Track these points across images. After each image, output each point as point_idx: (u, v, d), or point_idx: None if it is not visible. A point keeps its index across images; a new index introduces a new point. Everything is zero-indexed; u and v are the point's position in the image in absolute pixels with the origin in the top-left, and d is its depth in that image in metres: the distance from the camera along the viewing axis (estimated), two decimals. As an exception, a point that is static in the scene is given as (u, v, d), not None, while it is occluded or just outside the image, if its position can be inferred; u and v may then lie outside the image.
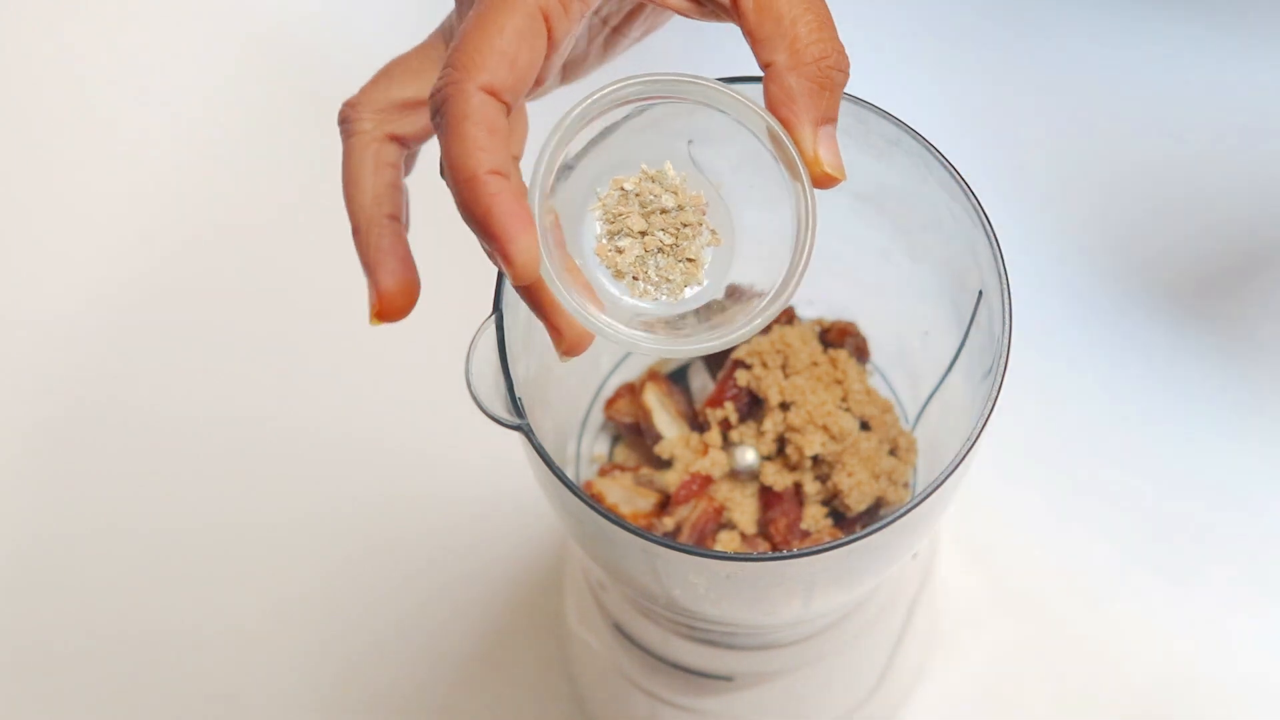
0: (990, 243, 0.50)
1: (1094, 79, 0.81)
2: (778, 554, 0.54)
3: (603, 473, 0.58)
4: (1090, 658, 0.71)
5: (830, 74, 0.44)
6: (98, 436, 0.76)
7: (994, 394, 0.49)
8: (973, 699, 0.70)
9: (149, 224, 0.81)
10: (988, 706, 0.70)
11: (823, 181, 0.44)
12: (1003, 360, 0.49)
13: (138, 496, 0.75)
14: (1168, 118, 0.81)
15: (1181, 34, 0.82)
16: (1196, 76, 0.81)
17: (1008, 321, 0.49)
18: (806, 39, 0.43)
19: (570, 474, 0.58)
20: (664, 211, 0.45)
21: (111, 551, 0.74)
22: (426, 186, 0.80)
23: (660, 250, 0.45)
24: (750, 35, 0.44)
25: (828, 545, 0.49)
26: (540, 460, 0.48)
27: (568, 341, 0.44)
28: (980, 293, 0.51)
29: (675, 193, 0.45)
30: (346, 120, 0.48)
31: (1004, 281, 0.49)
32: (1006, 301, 0.49)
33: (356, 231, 0.48)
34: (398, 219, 0.48)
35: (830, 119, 0.44)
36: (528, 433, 0.48)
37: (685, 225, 0.46)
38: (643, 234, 0.45)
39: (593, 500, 0.51)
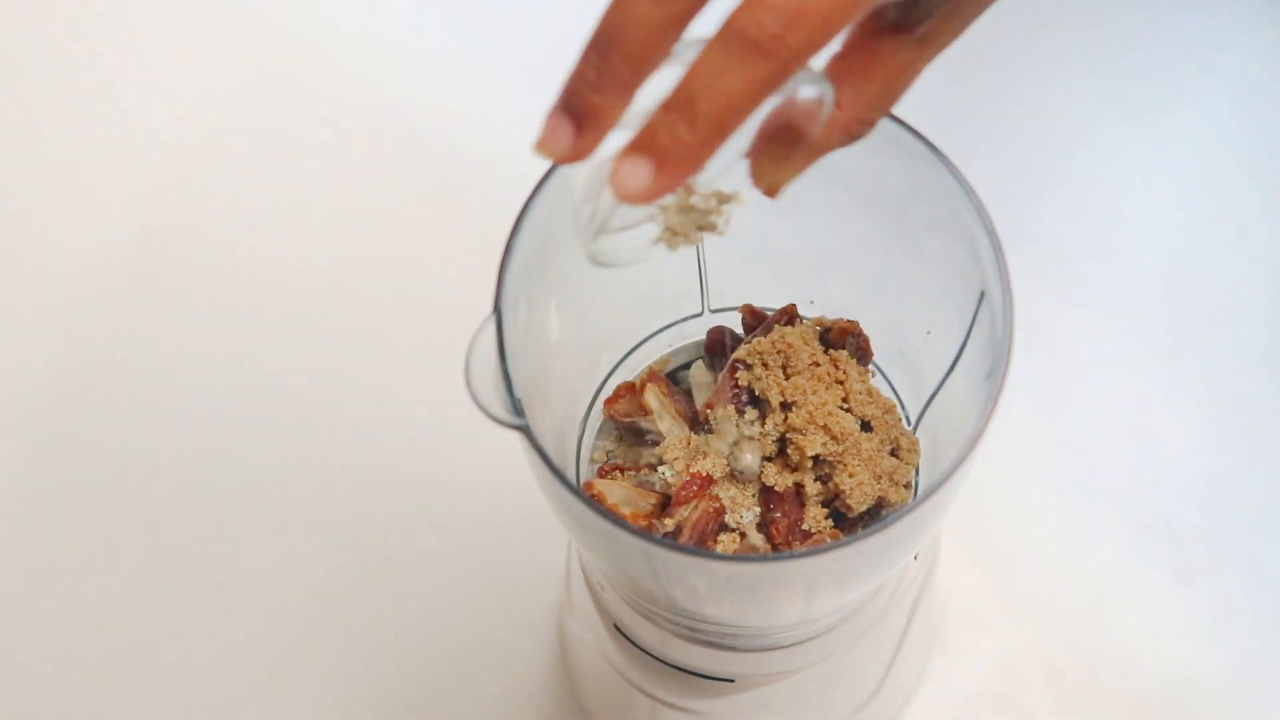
0: (992, 243, 0.50)
1: (1097, 78, 0.81)
2: (779, 555, 0.54)
3: (602, 473, 0.58)
4: (1092, 658, 0.70)
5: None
6: (93, 437, 0.76)
7: (996, 395, 0.49)
8: (975, 699, 0.70)
9: (145, 223, 0.80)
10: (990, 707, 0.70)
11: (766, 192, 0.47)
12: (1004, 361, 0.49)
13: (133, 501, 0.75)
14: (1172, 115, 0.80)
15: (1187, 27, 0.82)
16: (1201, 73, 0.81)
17: (1009, 322, 0.49)
18: (873, 120, 0.47)
19: (570, 474, 0.58)
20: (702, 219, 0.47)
21: (103, 560, 0.74)
22: (427, 188, 0.80)
23: (662, 223, 0.47)
24: (863, 85, 0.45)
25: (829, 546, 0.49)
26: (540, 460, 0.48)
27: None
28: (982, 293, 0.51)
29: (717, 215, 0.47)
30: None
31: (1005, 282, 0.49)
32: (1008, 302, 0.49)
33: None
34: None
35: None
36: (527, 433, 0.48)
37: (700, 228, 0.47)
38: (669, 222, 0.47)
39: (593, 501, 0.51)
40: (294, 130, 0.82)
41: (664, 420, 0.58)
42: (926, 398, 0.57)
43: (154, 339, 0.78)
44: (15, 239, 0.80)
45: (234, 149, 0.82)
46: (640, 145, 0.41)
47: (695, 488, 0.55)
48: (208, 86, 0.83)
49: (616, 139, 0.43)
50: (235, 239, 0.80)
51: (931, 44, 0.46)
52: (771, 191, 0.47)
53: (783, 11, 0.40)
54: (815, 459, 0.55)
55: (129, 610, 0.73)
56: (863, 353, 0.58)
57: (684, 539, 0.55)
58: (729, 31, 0.40)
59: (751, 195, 0.52)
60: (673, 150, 0.41)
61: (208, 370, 0.77)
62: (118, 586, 0.73)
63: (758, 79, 0.40)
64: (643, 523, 0.56)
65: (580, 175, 0.45)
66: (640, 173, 0.41)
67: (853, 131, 0.47)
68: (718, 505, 0.55)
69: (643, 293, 0.59)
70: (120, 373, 0.77)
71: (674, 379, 0.60)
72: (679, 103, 0.41)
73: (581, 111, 0.42)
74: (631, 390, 0.59)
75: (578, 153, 0.43)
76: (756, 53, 0.40)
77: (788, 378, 0.56)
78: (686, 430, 0.58)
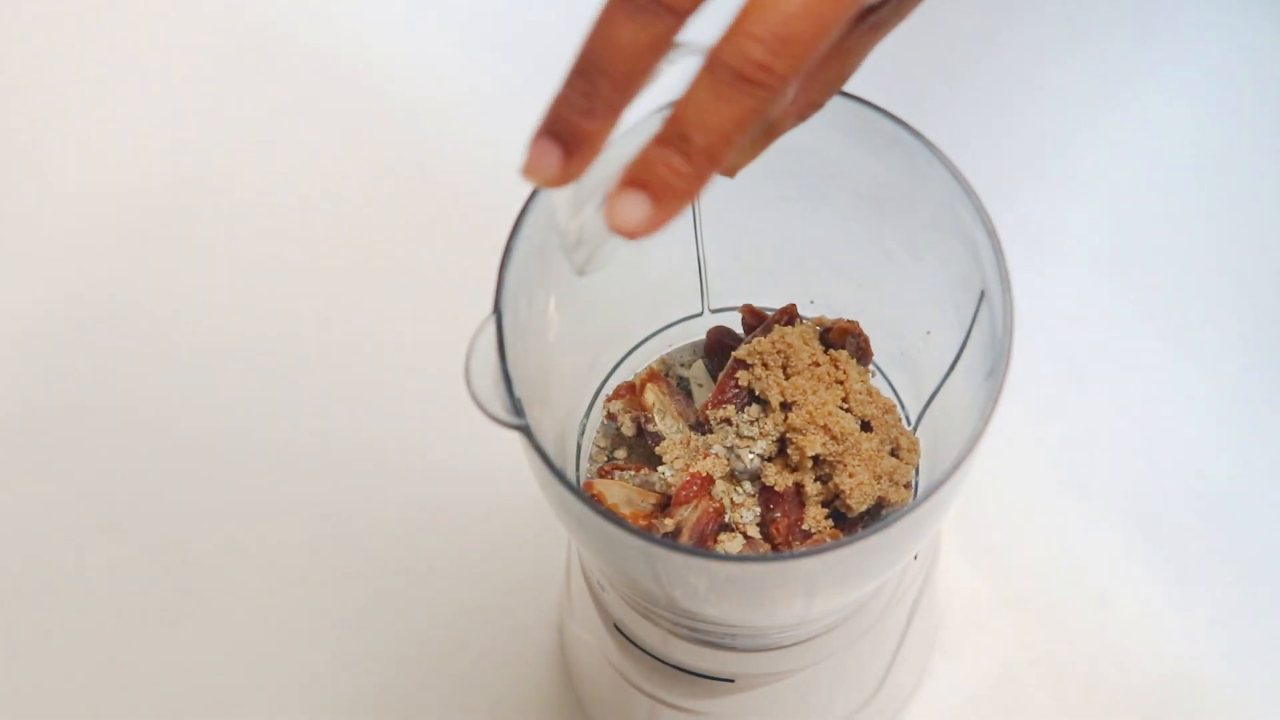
0: (992, 243, 0.50)
1: (1100, 76, 0.81)
2: (779, 555, 0.54)
3: (602, 473, 0.58)
4: (1093, 658, 0.70)
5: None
6: (84, 435, 0.76)
7: (996, 395, 0.49)
8: (975, 700, 0.70)
9: (131, 216, 0.80)
10: (990, 707, 0.70)
11: (725, 174, 0.48)
12: (1005, 361, 0.49)
13: (128, 500, 0.75)
14: (1175, 112, 0.80)
15: (1191, 23, 0.82)
16: (1204, 70, 0.81)
17: (1009, 322, 0.49)
18: (824, 103, 0.48)
19: (570, 474, 0.58)
20: None
21: (96, 559, 0.74)
22: (427, 188, 0.80)
23: None
24: (816, 72, 0.46)
25: (829, 546, 0.49)
26: (540, 460, 0.48)
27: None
28: (982, 293, 0.51)
29: None
30: None
31: (1005, 282, 0.49)
32: (1008, 302, 0.49)
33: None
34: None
35: None
36: (527, 433, 0.48)
37: None
38: None
39: (593, 501, 0.51)
40: (294, 129, 0.82)
41: (664, 420, 0.58)
42: (926, 398, 0.57)
43: (150, 347, 0.78)
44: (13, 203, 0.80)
45: (234, 148, 0.82)
46: (635, 180, 0.41)
47: (695, 488, 0.55)
48: (211, 85, 0.83)
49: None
50: (232, 237, 0.80)
51: (881, 29, 0.47)
52: (730, 173, 0.48)
53: (768, 40, 0.40)
54: (815, 459, 0.55)
55: (116, 597, 0.73)
56: (863, 353, 0.58)
57: (684, 539, 0.55)
58: (716, 64, 0.40)
59: (749, 197, 0.53)
60: (669, 184, 0.41)
61: (202, 372, 0.77)
62: (113, 588, 0.73)
63: (748, 108, 0.41)
64: (643, 523, 0.56)
65: (562, 197, 0.45)
66: (638, 208, 0.41)
67: (804, 115, 0.47)
68: (718, 505, 0.55)
69: (643, 293, 0.59)
70: (113, 379, 0.77)
71: (674, 379, 0.60)
72: (672, 136, 0.41)
73: (569, 137, 0.42)
74: (631, 390, 0.59)
75: (566, 177, 0.43)
76: (746, 84, 0.40)
77: (788, 378, 0.56)
78: (686, 430, 0.58)
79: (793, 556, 0.49)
